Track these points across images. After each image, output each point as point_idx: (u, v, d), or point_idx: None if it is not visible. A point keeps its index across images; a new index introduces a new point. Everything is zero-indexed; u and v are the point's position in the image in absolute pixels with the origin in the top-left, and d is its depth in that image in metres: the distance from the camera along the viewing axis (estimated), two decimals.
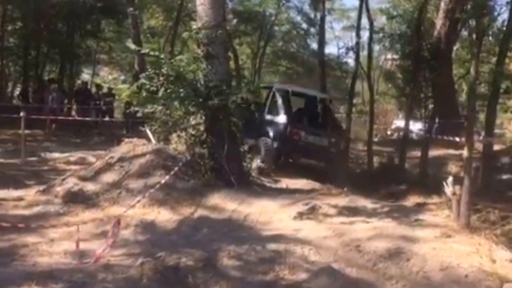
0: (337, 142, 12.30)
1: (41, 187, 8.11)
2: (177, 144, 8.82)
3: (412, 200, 9.81)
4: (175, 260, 5.18)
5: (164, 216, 6.79)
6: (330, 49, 36.47)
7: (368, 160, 12.59)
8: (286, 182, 9.93)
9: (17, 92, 26.03)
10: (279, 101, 12.12)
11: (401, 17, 19.20)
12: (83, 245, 5.52)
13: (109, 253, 5.23)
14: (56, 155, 12.55)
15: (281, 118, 11.91)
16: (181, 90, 8.41)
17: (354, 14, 27.95)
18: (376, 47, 30.35)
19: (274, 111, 12.11)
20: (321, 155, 11.89)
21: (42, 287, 4.40)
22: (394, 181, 11.26)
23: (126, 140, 9.21)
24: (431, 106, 14.40)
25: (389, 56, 30.54)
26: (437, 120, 14.80)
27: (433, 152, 13.27)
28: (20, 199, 7.57)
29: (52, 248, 5.60)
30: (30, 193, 7.92)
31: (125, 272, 4.89)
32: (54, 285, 4.46)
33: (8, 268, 4.97)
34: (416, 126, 15.89)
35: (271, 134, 11.87)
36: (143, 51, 9.44)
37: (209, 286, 4.96)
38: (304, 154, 11.94)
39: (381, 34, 24.32)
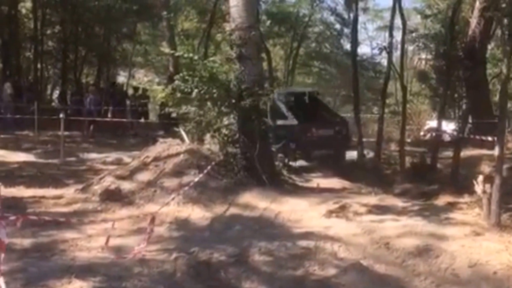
0: (340, 129, 13.33)
1: (80, 186, 8.44)
2: (210, 144, 8.99)
3: (443, 200, 9.67)
4: (208, 256, 5.36)
5: (198, 214, 6.97)
6: (364, 50, 36.09)
7: (400, 160, 12.49)
8: (317, 181, 9.99)
9: (55, 94, 26.84)
10: (281, 105, 12.63)
11: (435, 17, 19.03)
12: (119, 241, 5.75)
13: (145, 249, 5.42)
14: (93, 155, 12.94)
15: (292, 121, 12.47)
16: (214, 91, 8.61)
17: (387, 15, 27.66)
18: (410, 47, 30.17)
19: (278, 115, 12.45)
20: (330, 144, 12.88)
21: (81, 280, 4.62)
22: (425, 181, 11.17)
23: (161, 140, 9.46)
24: (464, 106, 14.21)
25: (423, 56, 30.22)
26: (470, 120, 14.59)
27: (466, 152, 13.06)
28: (60, 197, 7.90)
29: (90, 244, 5.84)
30: (69, 192, 8.25)
31: (159, 266, 5.08)
32: (92, 279, 4.67)
33: (49, 262, 5.22)
34: (449, 127, 15.68)
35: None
36: (177, 54, 9.64)
37: (241, 281, 5.11)
38: (317, 146, 12.85)
39: (414, 34, 24.14)
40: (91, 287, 4.48)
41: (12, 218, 3.62)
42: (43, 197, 7.81)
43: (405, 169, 12.34)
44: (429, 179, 11.22)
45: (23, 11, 23.00)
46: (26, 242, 5.50)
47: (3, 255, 3.46)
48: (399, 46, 17.78)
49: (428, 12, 20.73)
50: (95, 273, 4.74)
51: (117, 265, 5.03)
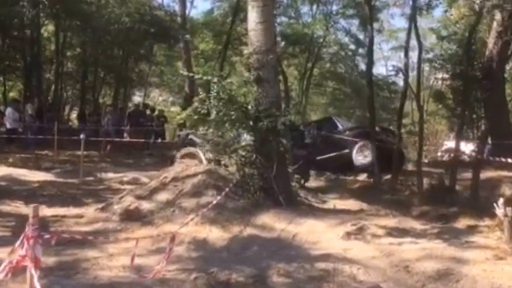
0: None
1: (99, 205, 8.56)
2: (228, 165, 9.07)
3: (463, 223, 9.63)
4: (227, 276, 5.40)
5: (216, 234, 7.01)
6: (378, 69, 36.29)
7: (417, 181, 12.44)
8: (334, 202, 9.99)
9: (73, 115, 27.28)
10: None
11: (451, 37, 19.05)
12: (139, 260, 5.79)
13: (165, 268, 5.47)
14: (110, 175, 13.10)
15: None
16: (232, 112, 8.71)
17: (402, 35, 27.79)
18: (426, 67, 30.18)
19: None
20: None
21: None
22: (444, 203, 11.10)
23: (179, 160, 9.56)
24: (483, 126, 14.13)
25: (439, 76, 30.16)
26: (489, 141, 14.49)
27: (486, 174, 12.97)
28: (81, 216, 8.02)
29: (111, 263, 5.90)
30: (89, 211, 8.37)
31: (179, 286, 5.12)
32: None
33: (72, 280, 5.30)
34: (468, 147, 15.59)
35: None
36: (196, 76, 9.79)
37: None
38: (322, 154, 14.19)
39: (431, 54, 24.12)
40: None
41: (47, 236, 3.72)
42: (64, 216, 7.95)
43: (423, 190, 12.29)
44: (448, 201, 11.13)
45: (45, 34, 23.57)
46: (50, 260, 5.58)
47: (38, 272, 3.55)
48: (415, 66, 17.87)
49: (444, 32, 20.78)
50: None
51: (138, 284, 5.09)
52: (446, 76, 19.10)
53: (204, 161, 9.70)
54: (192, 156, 13.83)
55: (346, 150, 13.90)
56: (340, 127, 15.30)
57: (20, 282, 3.65)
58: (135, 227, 7.40)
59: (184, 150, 14.78)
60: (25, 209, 8.12)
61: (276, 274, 5.54)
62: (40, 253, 3.47)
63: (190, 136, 15.25)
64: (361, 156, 14.00)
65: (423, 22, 24.49)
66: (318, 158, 14.84)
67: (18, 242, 3.62)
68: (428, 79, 33.67)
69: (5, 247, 5.47)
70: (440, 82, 26.94)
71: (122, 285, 5.11)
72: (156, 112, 21.23)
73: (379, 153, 13.19)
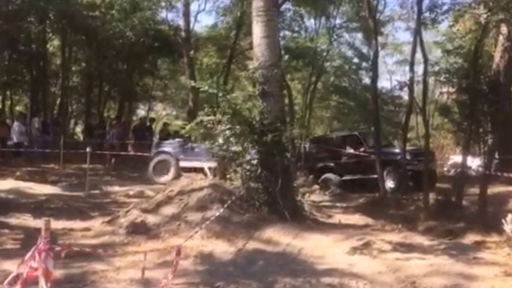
0: None
1: (106, 218, 8.60)
2: (233, 179, 9.08)
3: (470, 238, 9.55)
4: None
5: (221, 248, 7.02)
6: (383, 83, 36.34)
7: (423, 196, 12.40)
8: (339, 217, 9.97)
9: (78, 128, 27.42)
10: None
11: (457, 51, 19.09)
12: (147, 274, 5.80)
13: (171, 282, 5.47)
14: (116, 188, 13.14)
15: None
16: (237, 127, 8.76)
17: (407, 48, 27.97)
18: (431, 81, 30.23)
19: None
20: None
21: None
22: (451, 218, 11.04)
23: (185, 174, 9.59)
24: (490, 141, 14.09)
25: (444, 89, 30.19)
26: (497, 156, 14.43)
27: (493, 189, 12.92)
28: (88, 229, 8.06)
29: (119, 276, 5.92)
30: (96, 224, 8.41)
31: None
32: None
33: None
34: (474, 162, 15.56)
35: None
36: (202, 89, 9.85)
37: None
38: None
39: (436, 68, 24.15)
40: None
41: (58, 249, 3.75)
42: (71, 229, 7.99)
43: (429, 205, 12.24)
44: (454, 217, 11.09)
45: (51, 48, 23.80)
46: (58, 273, 5.55)
47: (49, 284, 3.58)
48: (419, 80, 17.90)
49: (449, 46, 20.82)
50: None
51: None
52: (452, 90, 19.16)
53: (210, 175, 9.72)
54: (165, 163, 15.11)
55: (374, 176, 13.65)
56: (365, 146, 15.34)
57: None
58: (142, 240, 7.41)
59: (158, 158, 15.27)
60: (32, 222, 8.19)
61: None
62: (52, 266, 3.49)
63: (161, 145, 16.08)
64: (389, 180, 14.12)
65: (428, 36, 24.56)
66: (344, 178, 15.24)
67: (28, 254, 3.64)
68: (433, 93, 33.73)
69: (14, 259, 5.50)
70: (445, 96, 27.03)
71: None
72: (161, 126, 21.33)
73: (409, 175, 13.35)
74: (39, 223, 7.21)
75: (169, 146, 15.95)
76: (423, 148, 14.30)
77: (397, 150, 14.79)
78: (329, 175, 15.69)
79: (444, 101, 25.22)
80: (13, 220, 8.73)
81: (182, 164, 15.03)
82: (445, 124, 21.51)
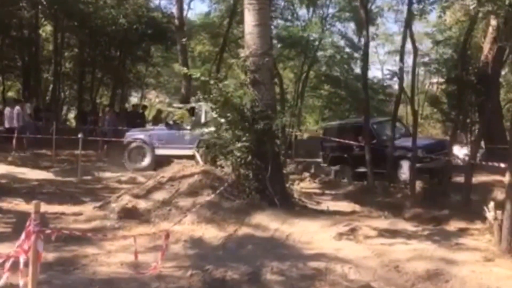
0: None
1: (97, 204, 8.70)
2: (224, 166, 9.20)
3: (454, 225, 9.81)
4: (222, 273, 5.55)
5: (211, 233, 7.15)
6: (374, 73, 36.63)
7: (410, 184, 12.63)
8: (328, 204, 10.14)
9: (70, 114, 27.40)
10: None
11: (446, 42, 19.25)
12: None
13: (161, 265, 5.62)
14: (108, 174, 13.25)
15: None
16: (229, 114, 8.86)
17: (398, 38, 28.10)
18: (421, 71, 30.40)
19: None
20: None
21: None
22: (436, 206, 11.27)
23: (176, 161, 9.71)
24: (477, 131, 14.30)
25: (434, 80, 30.42)
26: (483, 145, 14.66)
27: (479, 178, 13.17)
28: (79, 214, 8.16)
29: (110, 259, 6.04)
30: (88, 209, 8.52)
31: (176, 282, 5.27)
32: None
33: (71, 275, 5.45)
34: (461, 152, 15.79)
35: None
36: (194, 76, 9.93)
37: None
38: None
39: (426, 59, 24.29)
40: None
41: (48, 231, 3.87)
42: (63, 213, 8.09)
43: (416, 193, 12.47)
44: (440, 204, 11.34)
45: (44, 34, 23.72)
46: (50, 256, 5.71)
47: (39, 266, 3.70)
48: (410, 70, 18.08)
49: (440, 37, 20.99)
50: (116, 287, 4.94)
51: (136, 280, 5.24)
52: (441, 80, 19.35)
53: (201, 162, 9.84)
54: (139, 150, 15.09)
55: (383, 171, 13.49)
56: (376, 138, 14.69)
57: (19, 276, 3.78)
58: (133, 225, 7.52)
59: (132, 145, 15.23)
60: (25, 206, 8.27)
61: (270, 272, 5.69)
62: (42, 248, 3.61)
63: (131, 133, 15.85)
64: (402, 173, 13.86)
65: (418, 26, 24.78)
66: (357, 170, 14.71)
67: (21, 237, 3.76)
68: (423, 83, 33.96)
69: (6, 243, 5.63)
70: (435, 86, 27.26)
71: (120, 280, 5.26)
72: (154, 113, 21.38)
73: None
74: (31, 207, 7.36)
75: (144, 133, 15.67)
76: (440, 140, 14.25)
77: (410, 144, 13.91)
78: (341, 166, 15.40)
79: (434, 91, 25.45)
80: (5, 204, 8.81)
81: (159, 152, 14.84)
82: (434, 114, 21.78)
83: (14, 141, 15.81)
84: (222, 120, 8.93)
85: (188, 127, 13.32)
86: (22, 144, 15.99)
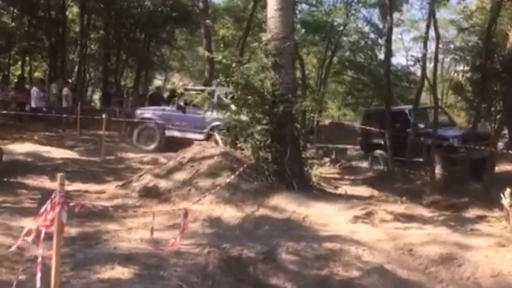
0: None
1: (120, 183, 8.95)
2: (243, 148, 9.34)
3: (472, 213, 9.78)
4: (238, 252, 5.71)
5: (229, 213, 7.32)
6: (399, 60, 36.26)
7: (430, 172, 12.60)
8: (346, 188, 10.23)
9: (95, 96, 27.82)
10: None
11: (471, 29, 18.93)
12: (156, 234, 6.11)
13: (180, 242, 5.80)
14: (130, 155, 13.49)
15: None
16: (249, 97, 8.98)
17: (423, 25, 27.66)
18: (447, 59, 29.96)
19: None
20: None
21: (123, 267, 5.04)
22: (456, 193, 11.24)
23: (197, 142, 9.87)
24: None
25: (459, 68, 29.96)
26: (506, 134, 14.47)
27: (501, 167, 13.09)
28: (102, 192, 8.43)
29: (130, 235, 6.27)
30: (110, 187, 8.78)
31: (193, 259, 5.44)
32: (133, 266, 5.08)
33: (93, 249, 5.69)
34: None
35: None
36: (216, 59, 10.03)
37: (268, 277, 5.43)
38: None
39: (452, 46, 23.89)
40: (131, 274, 4.88)
41: (72, 204, 4.05)
42: (86, 191, 8.37)
43: (436, 180, 12.45)
44: (460, 192, 11.30)
45: (70, 16, 24.04)
46: (73, 231, 5.96)
47: (62, 236, 3.88)
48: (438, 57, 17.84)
49: (465, 24, 20.64)
50: (135, 262, 5.15)
51: (155, 256, 5.43)
52: (466, 68, 19.06)
53: (221, 144, 9.99)
54: (149, 131, 14.82)
55: (420, 159, 13.19)
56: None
57: (43, 248, 3.97)
58: (153, 203, 7.74)
59: (141, 126, 15.07)
60: (49, 184, 8.55)
61: (285, 252, 5.82)
62: (65, 219, 3.78)
63: (142, 111, 15.72)
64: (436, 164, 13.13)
65: (444, 13, 24.36)
66: (396, 158, 13.80)
67: (44, 207, 3.93)
68: (449, 71, 33.47)
69: (31, 217, 5.88)
70: (460, 74, 26.84)
71: (140, 256, 5.45)
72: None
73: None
74: (55, 185, 7.61)
75: (155, 113, 15.24)
76: (482, 132, 13.59)
77: (448, 133, 13.44)
78: (378, 152, 14.86)
79: (460, 79, 25.07)
80: (31, 181, 9.12)
81: (169, 133, 14.62)
82: (458, 102, 21.50)
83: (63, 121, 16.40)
84: (242, 103, 9.03)
85: (200, 111, 13.34)
86: (70, 123, 16.32)
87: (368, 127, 15.12)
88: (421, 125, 14.00)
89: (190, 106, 14.01)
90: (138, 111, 15.81)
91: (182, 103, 14.96)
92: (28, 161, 10.76)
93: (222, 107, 9.79)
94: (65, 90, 17.85)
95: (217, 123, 12.80)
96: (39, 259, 3.79)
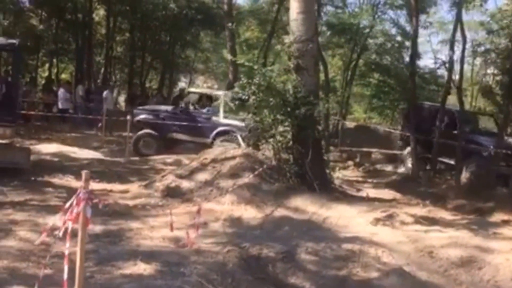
0: None
1: (143, 183, 9.10)
2: (265, 150, 9.39)
3: (497, 217, 9.66)
4: (258, 251, 5.77)
5: (250, 213, 7.39)
6: (427, 62, 35.71)
7: (455, 175, 12.47)
8: (368, 191, 10.18)
9: (120, 98, 28.24)
10: None
11: (500, 31, 18.62)
12: (178, 233, 6.22)
13: (201, 241, 5.89)
14: (154, 156, 13.64)
15: None
16: (271, 99, 9.03)
17: (452, 27, 27.28)
18: (476, 62, 29.48)
19: None
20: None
21: (145, 263, 5.15)
22: (482, 198, 11.08)
23: (219, 143, 9.97)
24: None
25: (489, 71, 29.45)
26: None
27: None
28: (126, 191, 8.59)
29: (152, 233, 6.39)
30: (134, 187, 8.93)
31: (213, 257, 5.51)
32: (155, 263, 5.18)
33: (117, 246, 5.83)
34: None
35: None
36: (238, 62, 10.12)
37: (287, 276, 5.47)
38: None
39: (482, 48, 23.51)
40: (153, 270, 4.98)
41: (96, 200, 4.17)
42: (111, 190, 8.54)
43: (461, 184, 12.30)
44: (486, 197, 11.13)
45: (96, 18, 24.48)
46: (97, 228, 6.11)
47: (86, 231, 4.00)
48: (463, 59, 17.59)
49: (495, 26, 20.31)
50: (157, 259, 5.25)
51: (176, 253, 5.53)
52: (496, 71, 18.76)
53: (243, 145, 10.07)
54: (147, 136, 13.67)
55: (472, 165, 12.66)
56: (458, 129, 13.25)
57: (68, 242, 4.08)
58: (175, 203, 7.84)
59: (140, 132, 13.88)
60: (75, 183, 8.73)
61: (304, 252, 5.85)
62: (90, 214, 3.89)
63: (139, 111, 14.74)
64: (468, 169, 12.74)
65: (475, 15, 24.01)
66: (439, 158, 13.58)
67: (68, 203, 4.05)
68: (478, 74, 32.94)
69: (58, 214, 6.01)
70: (489, 77, 26.39)
71: (162, 253, 5.56)
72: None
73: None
74: (80, 184, 7.80)
75: (155, 115, 14.15)
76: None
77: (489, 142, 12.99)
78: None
79: (489, 82, 24.67)
80: (57, 180, 9.34)
81: (170, 135, 13.82)
82: (488, 106, 21.17)
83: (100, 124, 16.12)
84: (264, 104, 9.08)
85: (204, 113, 13.42)
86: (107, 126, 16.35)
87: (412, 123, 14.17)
88: (467, 129, 13.63)
89: (194, 109, 14.07)
90: (137, 111, 14.78)
91: (186, 104, 14.53)
92: (55, 161, 11.03)
93: (242, 108, 9.83)
94: (106, 93, 18.17)
95: (224, 128, 12.99)
96: (66, 252, 3.90)
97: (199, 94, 14.80)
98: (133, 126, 13.73)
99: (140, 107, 15.57)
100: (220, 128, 13.20)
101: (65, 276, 3.87)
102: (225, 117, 13.32)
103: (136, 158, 13.00)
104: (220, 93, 13.35)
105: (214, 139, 13.07)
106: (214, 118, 13.43)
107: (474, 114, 15.44)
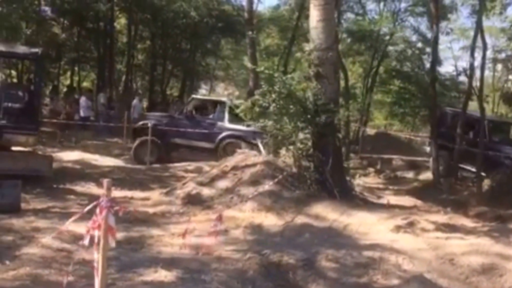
0: None
1: (164, 190, 9.20)
2: (285, 157, 9.42)
3: None
4: (278, 258, 5.79)
5: (271, 221, 7.42)
6: (448, 69, 35.47)
7: (477, 182, 12.33)
8: (389, 198, 10.13)
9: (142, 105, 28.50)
10: None
11: None
12: (198, 240, 6.29)
13: (222, 248, 5.94)
14: (175, 163, 13.75)
15: None
16: (291, 106, 9.07)
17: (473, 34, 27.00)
18: (498, 68, 29.17)
19: None
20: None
21: (166, 270, 5.23)
22: (504, 205, 10.96)
23: (240, 151, 10.03)
24: None
25: (510, 77, 29.10)
26: None
27: None
28: (147, 198, 8.70)
29: (173, 241, 6.46)
30: (155, 194, 9.04)
31: (234, 264, 5.57)
32: (176, 270, 5.26)
33: (138, 253, 5.92)
34: None
35: None
36: (258, 69, 10.17)
37: (307, 283, 5.49)
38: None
39: (503, 54, 23.27)
40: (174, 277, 5.05)
41: (117, 208, 4.24)
42: (132, 198, 8.66)
43: (483, 192, 12.16)
44: (507, 204, 11.00)
45: (118, 27, 24.85)
46: (119, 235, 6.13)
47: (114, 240, 4.06)
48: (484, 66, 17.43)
49: None
50: (178, 266, 5.33)
51: (197, 260, 5.60)
52: None
53: (264, 152, 10.12)
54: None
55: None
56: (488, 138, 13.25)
57: (89, 251, 4.14)
58: (196, 210, 7.92)
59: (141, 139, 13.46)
60: (96, 190, 8.88)
61: (325, 259, 5.86)
62: (113, 222, 3.96)
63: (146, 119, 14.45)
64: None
65: (496, 22, 23.78)
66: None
67: (86, 209, 4.11)
68: (500, 80, 32.56)
69: (79, 222, 6.12)
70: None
71: (182, 260, 5.63)
72: None
73: None
74: (102, 191, 7.93)
75: (157, 121, 13.86)
76: None
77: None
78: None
79: (510, 89, 24.39)
80: (79, 187, 9.51)
81: (174, 140, 13.63)
82: (510, 113, 20.92)
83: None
84: (285, 112, 9.12)
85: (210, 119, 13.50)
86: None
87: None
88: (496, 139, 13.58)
89: (199, 114, 14.09)
90: (138, 117, 14.79)
91: (189, 110, 14.34)
92: (76, 168, 11.21)
93: (263, 115, 9.87)
94: (135, 101, 18.43)
95: (229, 133, 13.09)
96: (96, 261, 3.96)
97: (204, 100, 14.82)
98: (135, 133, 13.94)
99: (145, 113, 15.73)
100: (225, 133, 13.32)
101: (97, 284, 3.93)
102: (230, 123, 13.45)
103: (157, 165, 13.12)
104: (224, 99, 13.43)
105: (218, 144, 13.22)
106: (219, 123, 13.52)
107: (508, 125, 15.17)
